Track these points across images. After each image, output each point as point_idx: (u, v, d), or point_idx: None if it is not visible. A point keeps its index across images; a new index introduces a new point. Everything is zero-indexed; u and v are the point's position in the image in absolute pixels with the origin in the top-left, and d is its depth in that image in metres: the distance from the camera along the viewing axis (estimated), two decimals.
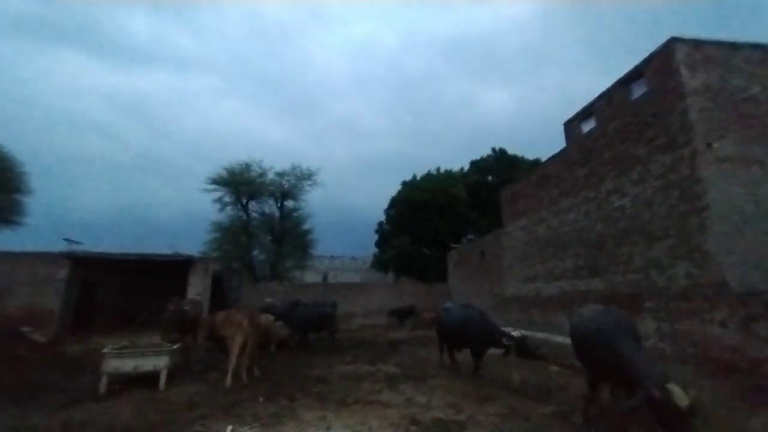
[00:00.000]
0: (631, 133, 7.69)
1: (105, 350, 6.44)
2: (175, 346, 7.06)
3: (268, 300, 12.27)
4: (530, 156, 26.35)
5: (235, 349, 6.51)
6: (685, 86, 6.79)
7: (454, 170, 29.15)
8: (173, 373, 6.65)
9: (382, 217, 29.98)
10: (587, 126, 9.94)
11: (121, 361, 6.29)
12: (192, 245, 22.18)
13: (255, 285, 20.23)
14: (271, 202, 25.23)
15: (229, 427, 4.40)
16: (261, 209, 25.11)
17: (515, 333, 6.85)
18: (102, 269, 14.16)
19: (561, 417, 4.89)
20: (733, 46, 7.39)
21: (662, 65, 7.43)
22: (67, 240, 14.78)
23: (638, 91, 8.21)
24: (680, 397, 3.12)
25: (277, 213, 25.34)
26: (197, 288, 12.54)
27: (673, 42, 7.25)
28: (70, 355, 9.29)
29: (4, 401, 5.55)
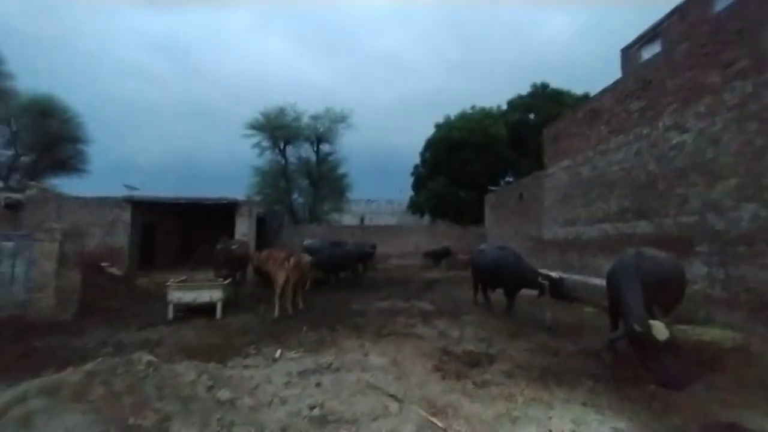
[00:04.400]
0: (705, 57, 6.63)
1: (168, 284, 7.23)
2: (226, 281, 7.77)
3: (308, 241, 12.91)
4: (586, 89, 23.64)
5: (279, 283, 7.07)
6: None
7: (492, 108, 27.35)
8: (226, 305, 7.40)
9: (418, 160, 29.43)
10: (650, 51, 8.70)
11: (182, 292, 7.07)
12: (237, 188, 23.31)
13: (296, 227, 21.24)
14: (307, 146, 25.49)
15: (278, 351, 4.92)
16: (298, 153, 25.54)
17: (553, 274, 6.81)
18: (158, 212, 15.39)
19: (591, 354, 4.97)
20: None
21: None
22: (127, 186, 16.02)
23: (723, 2, 6.93)
24: (660, 331, 3.43)
25: (313, 157, 25.67)
26: (243, 229, 13.37)
27: None
28: (141, 286, 10.56)
29: (97, 322, 6.54)
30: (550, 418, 3.28)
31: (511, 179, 22.56)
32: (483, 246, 9.32)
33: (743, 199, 5.91)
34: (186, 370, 3.76)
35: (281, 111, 24.12)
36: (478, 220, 21.96)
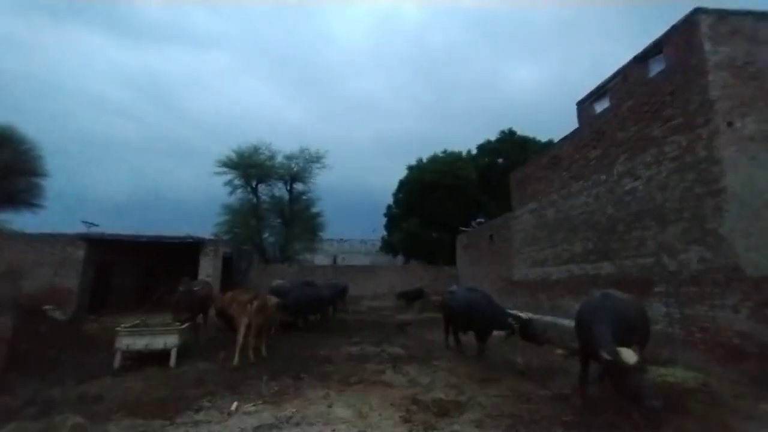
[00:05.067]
0: (647, 113, 7.35)
1: (118, 328, 6.65)
2: (184, 326, 7.25)
3: (277, 281, 12.45)
4: (551, 136, 25.36)
5: (241, 329, 6.65)
6: (708, 61, 6.41)
7: (462, 153, 28.66)
8: (183, 352, 6.85)
9: (392, 201, 29.88)
10: (601, 106, 9.57)
11: (133, 338, 6.50)
12: (208, 227, 22.58)
13: (265, 267, 20.55)
14: (281, 185, 25.36)
15: (234, 403, 4.53)
16: (271, 192, 25.29)
17: (523, 315, 6.82)
18: (116, 251, 14.53)
19: (562, 399, 4.89)
20: (763, 16, 6.91)
21: (684, 39, 7.02)
22: (85, 222, 15.18)
23: (656, 68, 7.81)
24: (629, 355, 3.58)
25: (286, 196, 25.49)
26: (208, 269, 12.78)
27: (696, 13, 6.82)
28: (88, 332, 9.65)
29: (27, 375, 5.81)
30: None
31: (482, 220, 23.22)
32: (453, 287, 9.31)
33: (691, 242, 6.31)
34: None
35: (255, 149, 24.17)
36: (451, 260, 22.13)
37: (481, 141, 29.20)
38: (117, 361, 6.26)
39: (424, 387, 5.52)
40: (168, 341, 6.63)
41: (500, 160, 27.46)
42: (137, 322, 7.77)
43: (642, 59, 8.19)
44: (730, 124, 6.18)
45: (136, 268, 16.96)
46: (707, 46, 6.52)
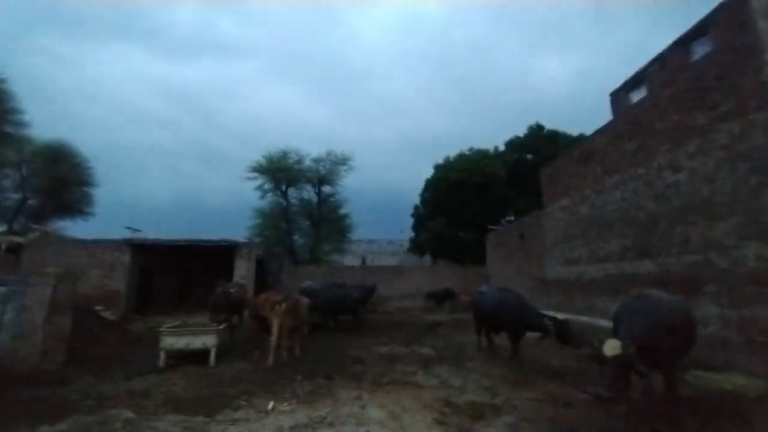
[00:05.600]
0: (690, 101, 6.89)
1: (161, 329, 7.01)
2: (221, 326, 7.54)
3: (307, 283, 12.70)
4: (581, 130, 24.30)
5: (274, 329, 6.83)
6: (762, 40, 5.92)
7: (489, 150, 28.10)
8: (221, 352, 7.12)
9: (419, 201, 29.76)
10: (637, 96, 9.07)
11: (175, 338, 6.83)
12: (240, 231, 23.42)
13: (295, 268, 21.02)
14: (309, 188, 25.95)
15: (271, 403, 4.65)
16: (299, 195, 25.95)
17: (558, 316, 6.58)
18: (157, 254, 15.34)
19: (601, 404, 4.66)
20: None
21: (732, 18, 6.53)
22: (129, 228, 16.13)
23: (699, 51, 7.32)
24: (611, 347, 3.75)
25: (314, 198, 26.03)
26: (242, 271, 13.23)
27: None
28: (134, 331, 10.25)
29: (83, 371, 6.26)
30: None
31: (511, 218, 22.63)
32: (484, 288, 9.13)
33: (745, 238, 5.85)
34: (168, 427, 3.53)
35: (284, 154, 24.83)
36: (479, 259, 21.74)
37: (509, 137, 28.55)
38: (161, 359, 6.60)
39: (456, 389, 5.43)
40: (207, 341, 6.91)
41: (529, 156, 26.73)
42: (178, 323, 8.15)
43: (683, 43, 7.71)
44: None
45: (176, 270, 17.84)
46: (761, 23, 6.02)
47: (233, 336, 8.76)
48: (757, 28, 6.01)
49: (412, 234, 30.70)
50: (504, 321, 7.23)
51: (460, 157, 27.36)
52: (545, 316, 6.59)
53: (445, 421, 4.19)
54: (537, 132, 27.38)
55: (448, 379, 5.93)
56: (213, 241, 13.77)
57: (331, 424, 4.03)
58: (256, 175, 24.50)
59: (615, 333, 4.44)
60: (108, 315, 10.84)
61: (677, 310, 4.48)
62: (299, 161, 25.17)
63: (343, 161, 25.66)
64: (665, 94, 7.50)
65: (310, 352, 7.68)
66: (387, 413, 4.41)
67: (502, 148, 28.45)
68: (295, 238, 25.65)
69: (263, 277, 15.74)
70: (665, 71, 8.05)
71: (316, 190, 26.01)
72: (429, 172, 28.68)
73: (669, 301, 4.55)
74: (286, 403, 4.67)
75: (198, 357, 6.79)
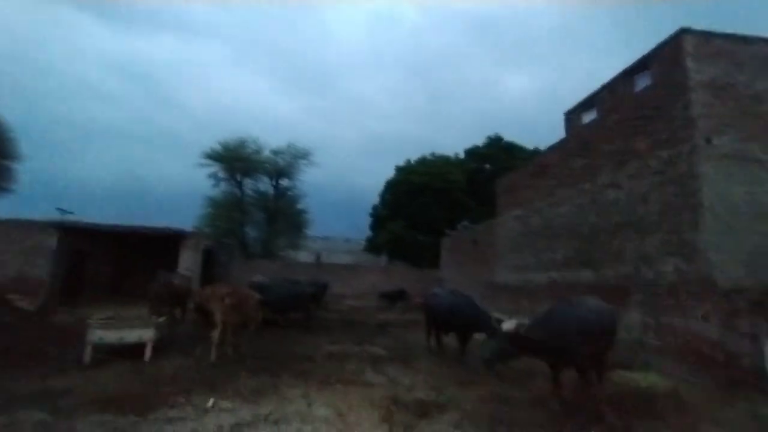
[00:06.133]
0: (632, 127, 7.57)
1: (90, 321, 6.40)
2: (161, 319, 7.05)
3: (258, 277, 12.22)
4: (537, 144, 25.78)
5: (218, 324, 6.50)
6: (691, 80, 6.65)
7: (450, 156, 28.91)
8: (159, 346, 6.65)
9: (378, 201, 29.88)
10: (588, 117, 9.81)
11: (106, 331, 6.27)
12: (191, 220, 22.07)
13: (246, 261, 20.23)
14: (266, 179, 25.09)
15: (211, 400, 4.41)
16: (255, 186, 24.99)
17: (508, 324, 6.83)
18: (92, 240, 14.04)
19: (540, 402, 4.95)
20: (744, 40, 7.20)
21: (669, 57, 7.25)
22: (60, 209, 14.60)
23: (642, 83, 8.05)
24: (507, 324, 4.59)
25: (271, 191, 25.21)
26: (187, 262, 12.49)
27: (682, 33, 7.06)
28: (58, 324, 9.27)
29: None
30: None
31: (467, 224, 23.45)
32: (436, 289, 9.34)
33: (668, 253, 6.52)
34: (90, 428, 3.22)
35: (242, 143, 23.82)
36: (435, 262, 22.26)
37: (469, 146, 29.53)
38: (87, 354, 6.02)
39: (404, 387, 5.50)
40: (144, 335, 6.43)
41: (487, 166, 27.82)
42: (110, 314, 7.50)
43: (629, 74, 8.44)
44: (708, 141, 6.41)
45: (113, 259, 16.44)
46: (691, 65, 6.75)
47: (175, 330, 8.23)
48: (687, 67, 6.73)
49: (369, 234, 30.75)
50: (455, 322, 7.45)
51: (423, 161, 27.87)
52: (494, 318, 6.87)
53: (391, 418, 4.22)
54: (496, 143, 28.59)
55: (396, 378, 5.99)
56: (157, 229, 12.86)
57: (275, 422, 3.91)
58: (210, 162, 23.28)
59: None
60: (25, 305, 9.73)
61: (604, 314, 4.93)
62: (257, 151, 24.28)
63: (303, 155, 25.14)
64: (612, 118, 8.19)
65: (257, 349, 7.40)
66: (333, 411, 4.36)
67: (462, 155, 29.37)
68: (248, 230, 24.69)
69: (211, 269, 14.97)
70: (613, 97, 8.79)
71: (274, 183, 25.25)
72: (390, 174, 28.92)
73: (589, 308, 5.00)
74: (228, 401, 4.46)
75: (132, 352, 6.29)
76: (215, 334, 6.45)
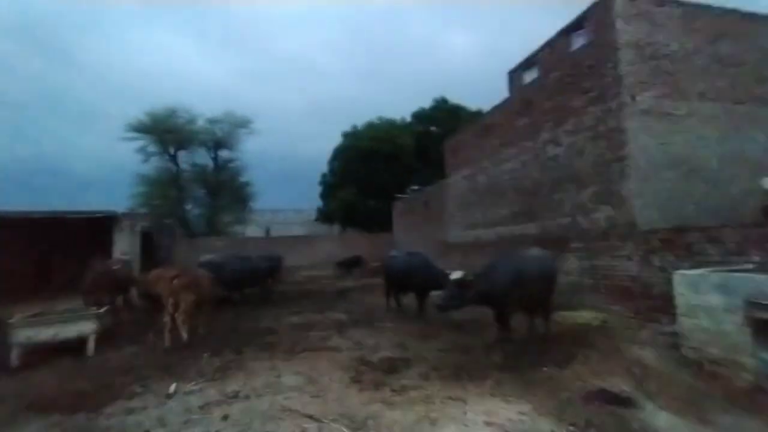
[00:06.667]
0: (569, 84, 7.98)
1: (12, 320, 5.69)
2: (102, 310, 6.48)
3: (207, 256, 11.60)
4: (482, 105, 26.27)
5: (169, 307, 6.14)
6: (619, 39, 7.06)
7: (396, 120, 28.75)
8: (104, 338, 6.15)
9: (327, 169, 29.23)
10: (530, 76, 10.13)
11: (34, 329, 5.63)
12: (121, 200, 19.98)
13: (190, 241, 19.06)
14: (204, 152, 23.27)
15: (173, 385, 4.23)
16: (192, 160, 23.12)
17: (455, 274, 7.25)
18: (3, 231, 12.23)
19: (495, 347, 5.41)
20: (660, 2, 7.72)
21: (601, 16, 7.60)
22: None
23: (578, 42, 8.41)
24: (456, 274, 5.15)
25: (211, 164, 23.53)
26: (123, 246, 11.45)
27: None
28: None
29: None
30: (465, 413, 3.44)
31: (417, 187, 23.90)
32: (394, 252, 9.57)
33: (600, 203, 7.19)
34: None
35: (172, 113, 21.60)
36: (388, 227, 22.65)
37: (415, 108, 29.47)
38: (15, 357, 5.40)
39: (370, 348, 5.69)
40: (83, 328, 5.88)
41: (434, 128, 28.11)
42: (38, 311, 6.73)
43: (567, 32, 8.75)
44: (633, 98, 6.96)
45: (31, 249, 14.54)
46: (619, 25, 7.14)
47: (119, 319, 7.64)
48: (616, 27, 7.12)
49: (320, 203, 30.25)
50: (413, 281, 7.74)
51: (370, 126, 27.42)
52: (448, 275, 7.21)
53: (361, 379, 4.38)
54: (441, 105, 28.80)
55: (361, 340, 6.17)
56: (82, 213, 11.51)
57: (246, 397, 3.87)
58: (137, 134, 20.93)
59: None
60: None
61: (534, 264, 5.51)
62: (191, 121, 22.24)
63: (243, 123, 23.52)
64: (551, 77, 8.54)
65: (216, 328, 7.16)
66: (304, 379, 4.42)
67: (408, 119, 29.32)
68: (189, 207, 23.09)
69: (152, 253, 13.89)
70: (553, 56, 9.12)
71: (213, 155, 23.53)
72: (337, 140, 28.20)
73: (529, 257, 5.63)
74: (192, 383, 4.30)
75: (71, 348, 5.74)
76: (167, 319, 6.10)
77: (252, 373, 4.65)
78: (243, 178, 24.71)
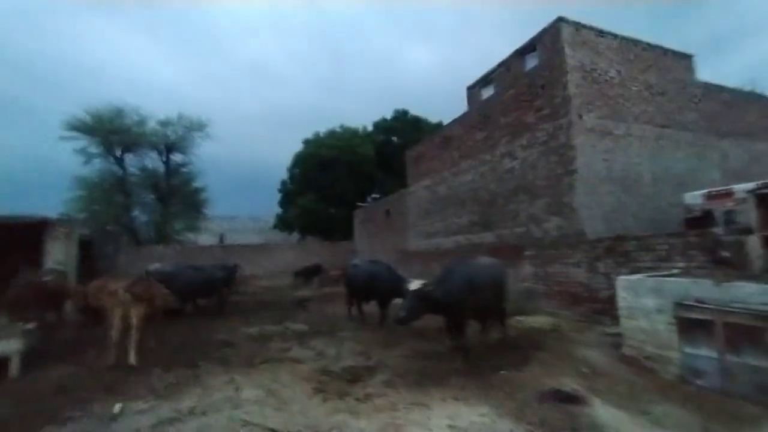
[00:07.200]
0: (524, 102, 8.55)
1: None
2: (29, 326, 5.83)
3: (156, 266, 10.84)
4: (441, 117, 27.07)
5: (115, 321, 5.66)
6: (567, 63, 7.70)
7: (358, 129, 28.95)
8: (33, 358, 5.53)
9: (286, 176, 28.65)
10: (487, 92, 10.71)
11: None
12: (55, 205, 18.14)
13: (137, 249, 17.75)
14: (154, 155, 21.88)
15: (118, 405, 3.89)
16: (141, 163, 21.62)
17: (413, 284, 7.36)
18: None
19: (456, 353, 5.55)
20: (600, 33, 8.55)
21: (551, 41, 8.25)
22: None
23: (531, 62, 9.05)
24: (414, 285, 5.05)
25: (162, 168, 22.15)
26: (58, 256, 10.38)
27: (559, 21, 8.06)
28: None
29: None
30: (430, 418, 3.49)
31: (377, 196, 24.09)
32: (356, 261, 9.55)
33: (552, 213, 7.70)
34: None
35: (118, 112, 20.13)
36: (348, 235, 22.54)
37: (377, 118, 29.85)
38: None
39: (332, 358, 5.60)
40: (6, 347, 5.25)
41: (395, 139, 28.59)
42: None
43: (521, 53, 9.39)
44: (580, 117, 7.60)
45: None
46: (567, 51, 7.80)
47: (53, 336, 6.90)
48: (565, 53, 7.76)
49: (278, 210, 29.49)
50: (375, 289, 7.75)
51: (331, 134, 27.34)
52: (410, 283, 7.31)
53: (325, 388, 4.30)
54: (402, 116, 29.41)
55: (323, 350, 6.05)
56: (8, 218, 10.33)
57: (203, 413, 3.65)
58: (76, 134, 19.24)
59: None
60: None
61: (484, 271, 5.69)
62: (140, 122, 20.85)
63: (198, 127, 22.45)
64: (507, 94, 9.10)
65: (167, 341, 6.69)
66: (265, 391, 4.25)
67: (370, 128, 29.60)
68: (136, 214, 21.51)
69: (92, 263, 12.74)
70: (509, 74, 9.73)
71: (164, 159, 22.16)
72: (298, 146, 27.79)
73: (478, 265, 5.79)
74: (141, 401, 3.99)
75: None
76: (113, 333, 5.60)
77: (209, 388, 4.39)
78: (197, 184, 23.52)
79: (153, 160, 21.93)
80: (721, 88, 10.34)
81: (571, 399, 3.84)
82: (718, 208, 6.48)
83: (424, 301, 5.01)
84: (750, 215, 6.16)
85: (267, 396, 4.12)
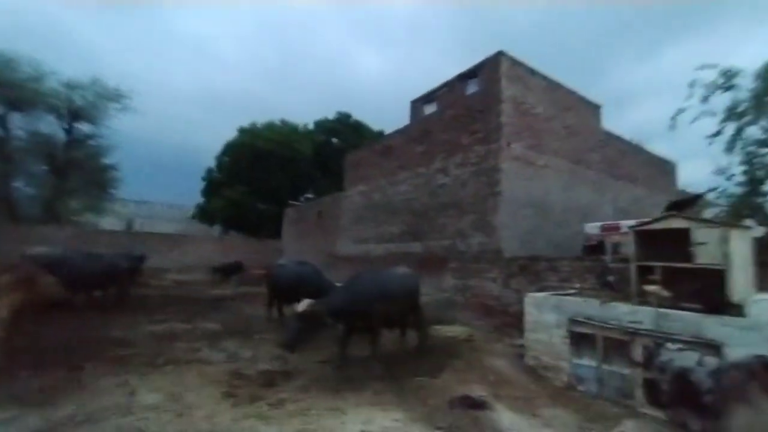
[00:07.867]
0: (462, 123, 9.11)
1: None
2: None
3: (40, 249, 9.21)
4: (382, 126, 27.46)
5: None
6: (503, 93, 8.40)
7: (299, 126, 28.19)
8: None
9: (214, 164, 26.67)
10: (429, 109, 11.19)
11: None
12: None
13: (17, 228, 14.99)
14: (53, 119, 18.74)
15: None
16: (34, 127, 18.34)
17: (302, 305, 7.15)
18: None
19: (373, 360, 5.60)
20: (532, 72, 9.51)
21: (490, 71, 8.94)
22: None
23: (472, 88, 9.69)
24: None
25: (62, 136, 19.08)
26: None
27: (499, 55, 8.78)
28: None
29: None
30: (344, 423, 3.47)
31: (311, 196, 23.54)
32: (283, 260, 9.19)
33: (476, 230, 8.27)
34: None
35: (8, 61, 16.94)
36: (276, 233, 21.65)
37: (319, 117, 29.36)
38: None
39: (247, 361, 5.31)
40: None
41: (335, 140, 28.36)
42: None
43: (464, 77, 10.00)
44: (509, 144, 8.32)
45: None
46: (504, 82, 8.51)
47: None
48: (501, 84, 8.46)
49: (201, 200, 27.24)
50: (302, 292, 7.49)
51: (269, 126, 26.17)
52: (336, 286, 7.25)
53: (236, 392, 4.05)
54: (345, 119, 29.29)
55: (237, 353, 5.71)
56: None
57: (83, 422, 3.16)
58: None
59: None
60: None
61: (396, 281, 5.76)
62: (38, 78, 17.73)
63: (115, 96, 19.77)
64: (447, 113, 9.61)
65: (45, 338, 5.69)
66: (165, 395, 3.86)
67: (311, 126, 28.99)
68: (19, 185, 18.18)
69: None
70: (451, 95, 10.29)
71: (66, 126, 19.12)
72: (231, 134, 26.10)
73: (390, 275, 5.88)
74: (3, 412, 3.32)
75: None
76: None
77: (95, 393, 3.83)
78: (105, 160, 20.68)
79: (50, 125, 18.79)
80: (618, 138, 12.16)
81: (478, 405, 4.10)
82: (609, 239, 7.55)
83: (310, 322, 4.71)
84: (630, 247, 7.27)
85: (167, 401, 3.73)
